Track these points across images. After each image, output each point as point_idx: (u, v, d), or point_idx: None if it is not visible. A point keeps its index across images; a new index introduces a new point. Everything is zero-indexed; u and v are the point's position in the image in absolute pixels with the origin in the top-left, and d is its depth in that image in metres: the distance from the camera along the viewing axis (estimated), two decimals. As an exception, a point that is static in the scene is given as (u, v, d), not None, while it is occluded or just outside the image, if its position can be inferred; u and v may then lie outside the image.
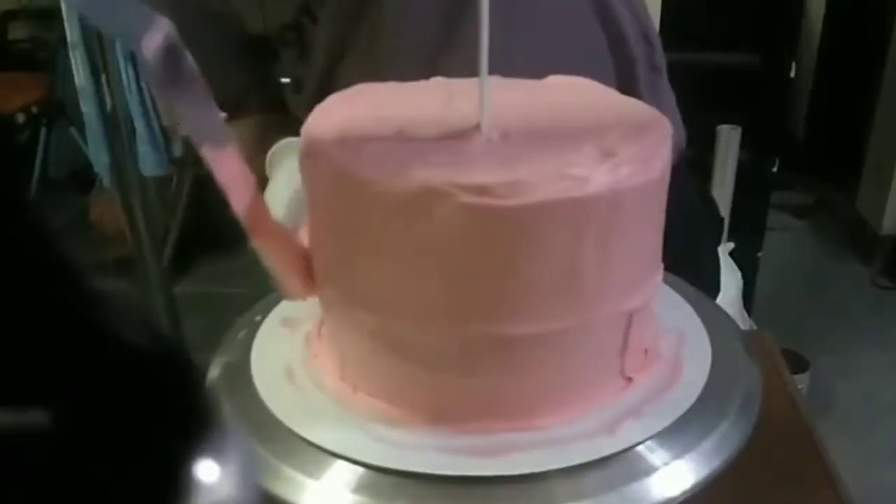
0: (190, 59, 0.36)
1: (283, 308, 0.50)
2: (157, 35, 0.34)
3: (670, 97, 0.76)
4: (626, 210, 0.37)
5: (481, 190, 0.34)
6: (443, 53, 0.64)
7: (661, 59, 0.74)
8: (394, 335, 0.38)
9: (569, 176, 0.35)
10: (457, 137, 0.40)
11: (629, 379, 0.42)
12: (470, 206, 0.34)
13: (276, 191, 0.60)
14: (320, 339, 0.45)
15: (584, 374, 0.40)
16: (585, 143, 0.38)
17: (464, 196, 0.34)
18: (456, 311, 0.37)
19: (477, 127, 0.40)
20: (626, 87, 0.69)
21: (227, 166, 0.39)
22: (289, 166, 0.62)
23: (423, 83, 0.48)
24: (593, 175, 0.35)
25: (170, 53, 0.35)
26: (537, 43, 0.63)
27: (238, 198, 0.40)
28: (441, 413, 0.39)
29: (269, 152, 0.64)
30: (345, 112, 0.43)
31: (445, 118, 0.42)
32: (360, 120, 0.42)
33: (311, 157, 0.39)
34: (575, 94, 0.47)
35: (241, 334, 0.48)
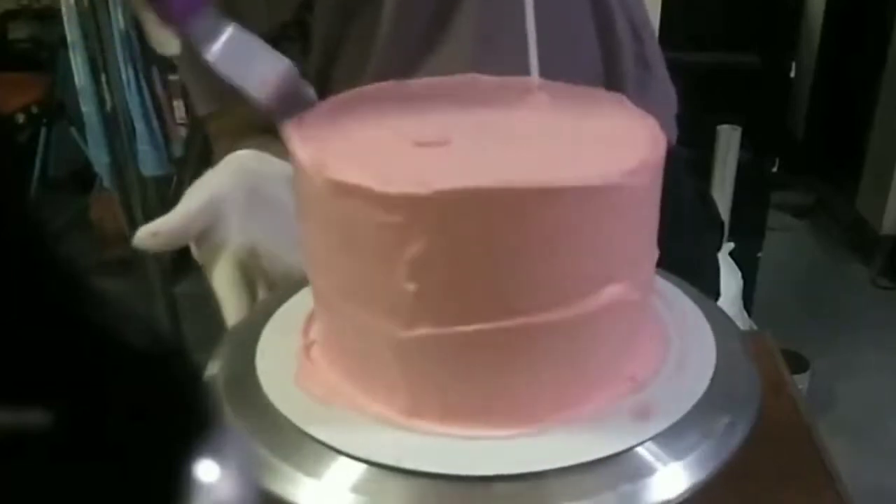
0: (308, 88, 0.43)
1: (284, 308, 0.50)
2: (275, 73, 0.41)
3: (666, 95, 0.76)
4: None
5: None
6: (426, 52, 0.64)
7: (655, 56, 0.73)
8: (401, 334, 0.38)
9: (631, 147, 0.38)
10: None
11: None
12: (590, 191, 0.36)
13: (196, 189, 0.59)
14: (318, 337, 0.45)
15: (629, 342, 0.42)
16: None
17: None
18: (496, 306, 0.37)
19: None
20: (612, 79, 0.69)
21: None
22: (224, 173, 0.60)
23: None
24: (645, 144, 0.39)
25: (290, 87, 0.42)
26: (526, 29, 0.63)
27: None
28: (442, 411, 0.39)
29: (229, 155, 0.62)
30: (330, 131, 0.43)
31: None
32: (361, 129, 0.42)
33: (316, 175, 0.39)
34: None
35: (241, 333, 0.48)
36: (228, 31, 0.41)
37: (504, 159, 0.39)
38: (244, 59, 0.41)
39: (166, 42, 0.41)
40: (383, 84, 0.49)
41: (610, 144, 0.41)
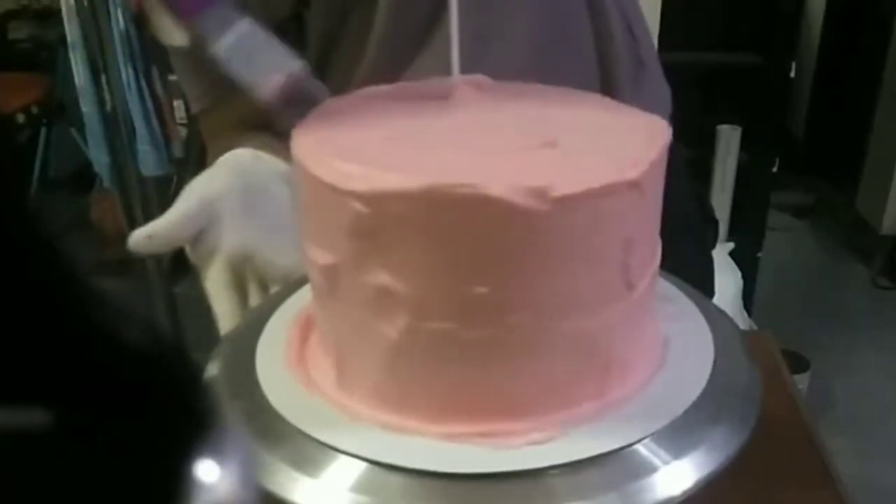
0: (321, 89, 0.42)
1: (283, 308, 0.50)
2: (284, 73, 0.41)
3: (660, 94, 0.76)
4: None
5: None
6: (420, 49, 0.64)
7: (649, 55, 0.73)
8: (407, 334, 0.38)
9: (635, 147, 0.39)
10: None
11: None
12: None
13: (191, 191, 0.58)
14: (318, 336, 0.45)
15: (630, 340, 0.42)
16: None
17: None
18: (503, 306, 0.36)
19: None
20: (607, 78, 0.69)
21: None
22: (219, 173, 0.59)
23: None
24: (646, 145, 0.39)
25: (299, 86, 0.41)
26: (523, 27, 0.62)
27: None
28: (443, 409, 0.39)
29: (224, 154, 0.61)
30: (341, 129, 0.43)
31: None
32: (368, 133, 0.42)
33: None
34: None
35: (241, 333, 0.48)
36: (242, 26, 0.40)
37: (588, 153, 0.40)
38: (254, 55, 0.40)
39: (172, 31, 0.40)
40: (366, 92, 0.49)
41: (611, 135, 0.41)
